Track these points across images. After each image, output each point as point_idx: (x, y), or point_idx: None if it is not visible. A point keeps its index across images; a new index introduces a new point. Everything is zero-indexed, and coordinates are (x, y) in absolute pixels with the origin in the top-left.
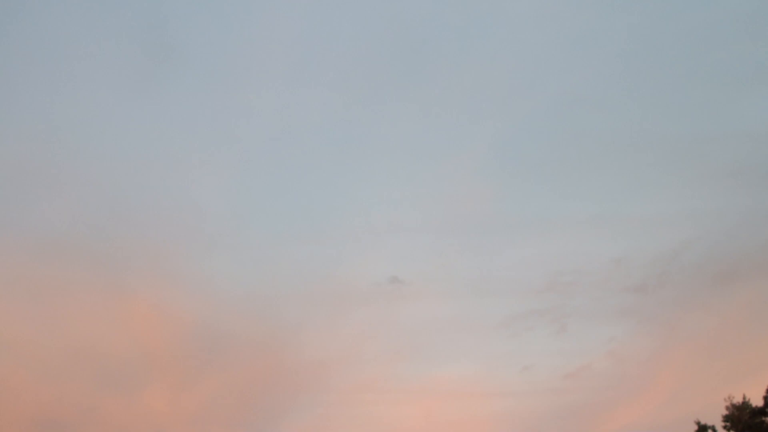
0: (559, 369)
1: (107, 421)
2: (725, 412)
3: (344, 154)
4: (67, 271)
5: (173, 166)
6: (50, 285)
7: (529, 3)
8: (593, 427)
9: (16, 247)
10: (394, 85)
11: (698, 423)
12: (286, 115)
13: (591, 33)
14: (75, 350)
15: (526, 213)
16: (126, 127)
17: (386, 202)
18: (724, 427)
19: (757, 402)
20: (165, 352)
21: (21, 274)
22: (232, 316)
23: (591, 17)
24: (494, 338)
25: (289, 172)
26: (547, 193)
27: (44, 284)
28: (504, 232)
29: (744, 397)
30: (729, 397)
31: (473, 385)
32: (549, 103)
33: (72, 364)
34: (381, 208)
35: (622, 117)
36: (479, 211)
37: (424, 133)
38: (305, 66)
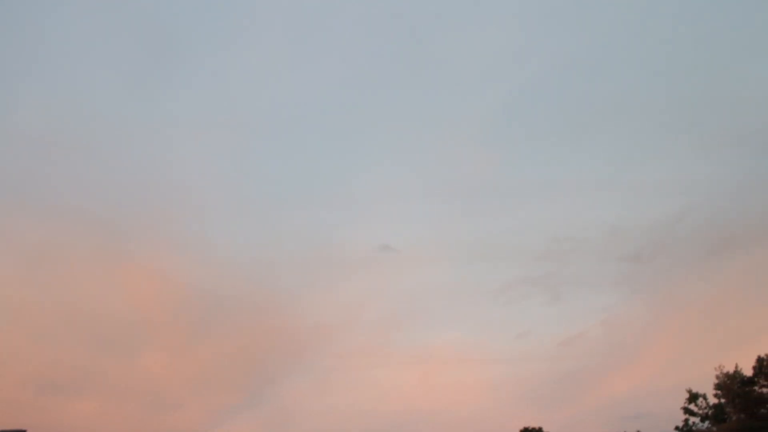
0: (553, 336)
1: (105, 383)
2: (716, 381)
3: (344, 120)
4: (66, 234)
5: (174, 131)
6: (50, 248)
7: None
8: (587, 393)
9: (16, 211)
10: (395, 51)
11: (690, 391)
12: (287, 81)
13: (594, 1)
14: (74, 313)
15: (525, 179)
16: (126, 93)
17: (386, 168)
18: (715, 395)
19: (748, 372)
20: (163, 317)
21: (21, 238)
22: (230, 280)
23: None
24: (490, 305)
25: (289, 139)
26: (545, 159)
27: (44, 248)
28: (501, 198)
29: (736, 367)
30: (720, 367)
31: (468, 352)
32: (550, 69)
33: (71, 327)
34: (381, 174)
35: (623, 83)
36: (477, 177)
37: (424, 99)
38: (306, 32)
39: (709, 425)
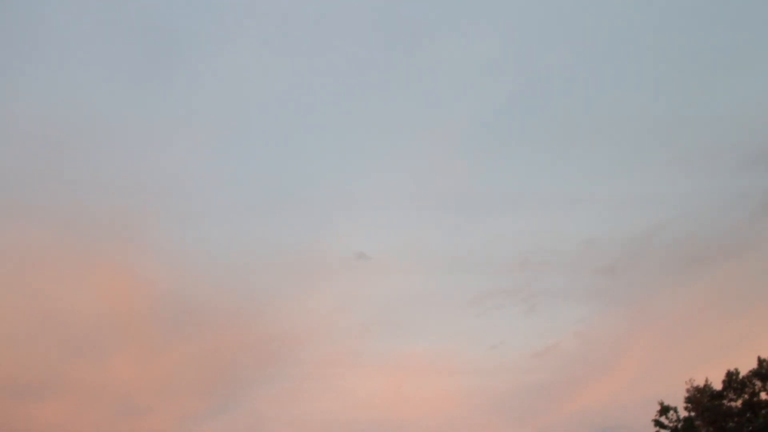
0: (527, 348)
1: (74, 387)
2: (687, 395)
3: (321, 127)
4: (34, 233)
5: (148, 131)
6: (17, 247)
7: None
8: (559, 406)
9: None
10: (371, 58)
11: (661, 404)
12: (262, 85)
13: (569, 13)
14: (42, 315)
15: (500, 191)
16: (99, 90)
17: (363, 175)
18: (686, 409)
19: (718, 385)
20: (134, 319)
21: None
22: (203, 285)
23: None
24: (463, 316)
25: (264, 143)
26: (521, 172)
27: (11, 246)
28: (477, 209)
29: (706, 381)
30: (690, 380)
31: (441, 362)
32: (527, 81)
33: (38, 328)
34: (357, 181)
35: (600, 97)
36: (453, 187)
37: (402, 109)
38: (283, 35)
39: None
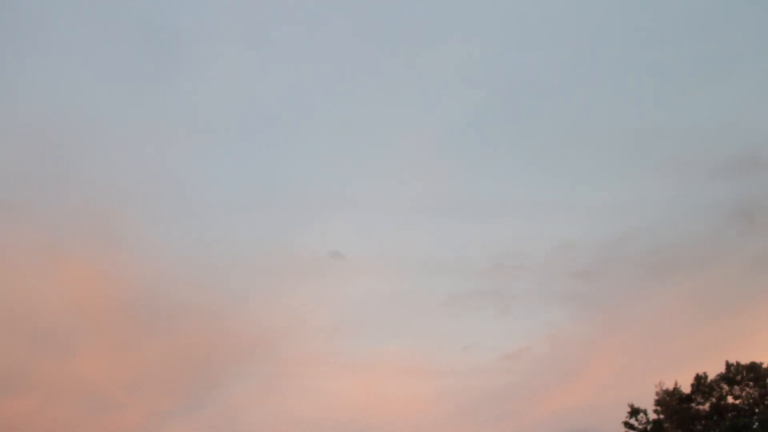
0: (499, 350)
1: (42, 383)
2: (656, 398)
3: (297, 126)
4: (3, 229)
5: (122, 127)
6: None
7: None
8: (531, 408)
9: None
10: (351, 61)
11: (632, 406)
12: (239, 84)
13: (549, 22)
14: (10, 310)
15: (476, 194)
16: (73, 86)
17: (339, 175)
18: (655, 411)
19: (687, 389)
20: (103, 316)
21: None
22: (175, 282)
23: (549, 7)
24: (437, 317)
25: (240, 141)
26: (498, 176)
27: None
28: (453, 212)
29: (675, 384)
30: (660, 384)
31: (414, 363)
32: (505, 88)
33: (6, 324)
34: (333, 181)
35: (576, 106)
36: (430, 189)
37: (380, 110)
38: (261, 36)
39: None
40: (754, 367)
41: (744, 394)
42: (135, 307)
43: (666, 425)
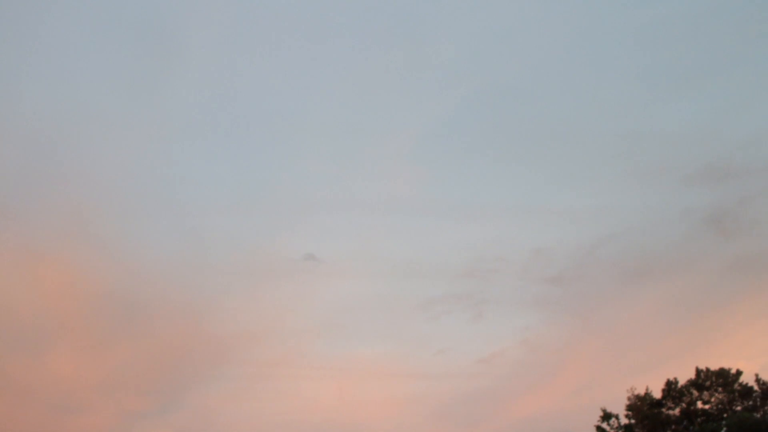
0: (473, 354)
1: (8, 383)
2: (628, 403)
3: (274, 129)
4: None
5: (100, 124)
6: None
7: None
8: (504, 411)
9: None
10: (331, 62)
11: (604, 411)
12: (218, 84)
13: (527, 27)
14: None
15: (452, 198)
16: (52, 82)
17: (314, 177)
18: (626, 416)
19: (658, 394)
20: (76, 316)
21: None
22: (149, 282)
23: (527, 12)
24: (412, 320)
25: (219, 144)
26: (474, 180)
27: None
28: (429, 215)
29: (647, 389)
30: (631, 389)
31: (388, 366)
32: (483, 92)
33: None
34: (308, 183)
35: (552, 110)
36: (406, 193)
37: (356, 113)
38: (241, 35)
39: None
40: (722, 373)
41: (713, 399)
42: (109, 306)
43: (637, 430)
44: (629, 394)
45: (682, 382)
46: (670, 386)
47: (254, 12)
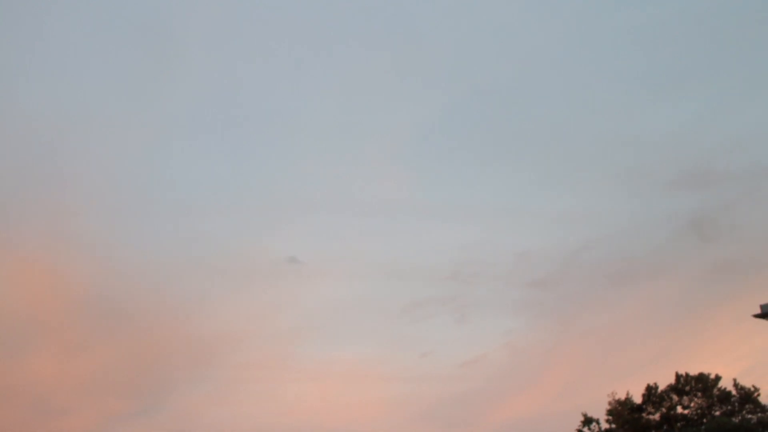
0: (456, 357)
1: None
2: (609, 407)
3: (257, 129)
4: None
5: (91, 125)
6: None
7: None
8: (486, 415)
9: None
10: (317, 64)
11: (585, 415)
12: (202, 88)
13: (511, 31)
14: None
15: (437, 201)
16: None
17: (297, 179)
18: (607, 421)
19: (638, 399)
20: (55, 316)
21: None
22: (131, 283)
23: (512, 17)
24: (395, 323)
25: (201, 144)
26: (458, 183)
27: None
28: (412, 218)
29: (627, 394)
30: (612, 393)
31: (371, 369)
32: (469, 94)
33: None
34: (291, 185)
35: (537, 114)
36: (389, 195)
37: (341, 112)
38: (229, 37)
39: None
40: (702, 378)
41: (693, 404)
42: (90, 307)
43: None
44: (610, 399)
45: (662, 387)
46: (651, 391)
47: (240, 14)
